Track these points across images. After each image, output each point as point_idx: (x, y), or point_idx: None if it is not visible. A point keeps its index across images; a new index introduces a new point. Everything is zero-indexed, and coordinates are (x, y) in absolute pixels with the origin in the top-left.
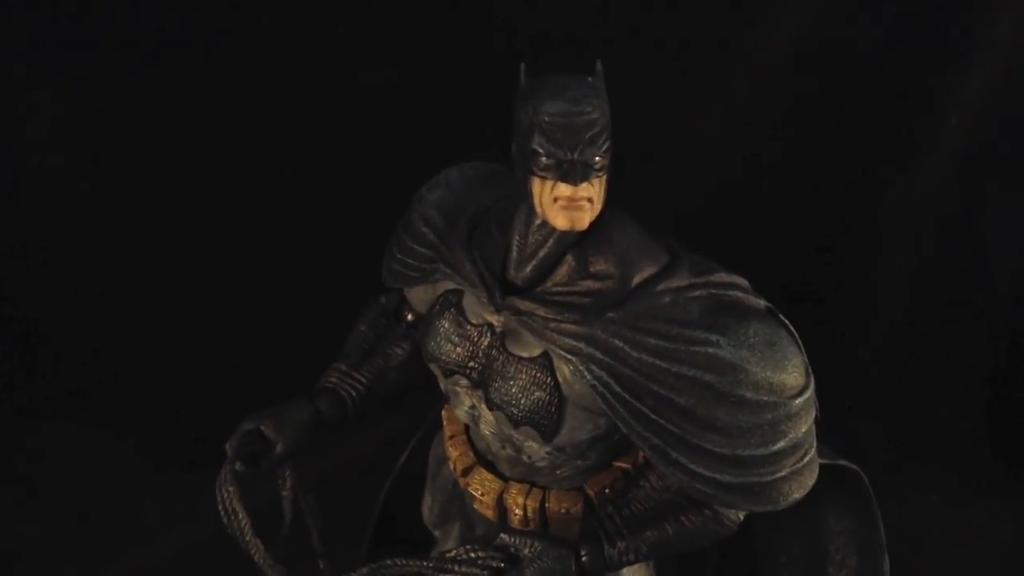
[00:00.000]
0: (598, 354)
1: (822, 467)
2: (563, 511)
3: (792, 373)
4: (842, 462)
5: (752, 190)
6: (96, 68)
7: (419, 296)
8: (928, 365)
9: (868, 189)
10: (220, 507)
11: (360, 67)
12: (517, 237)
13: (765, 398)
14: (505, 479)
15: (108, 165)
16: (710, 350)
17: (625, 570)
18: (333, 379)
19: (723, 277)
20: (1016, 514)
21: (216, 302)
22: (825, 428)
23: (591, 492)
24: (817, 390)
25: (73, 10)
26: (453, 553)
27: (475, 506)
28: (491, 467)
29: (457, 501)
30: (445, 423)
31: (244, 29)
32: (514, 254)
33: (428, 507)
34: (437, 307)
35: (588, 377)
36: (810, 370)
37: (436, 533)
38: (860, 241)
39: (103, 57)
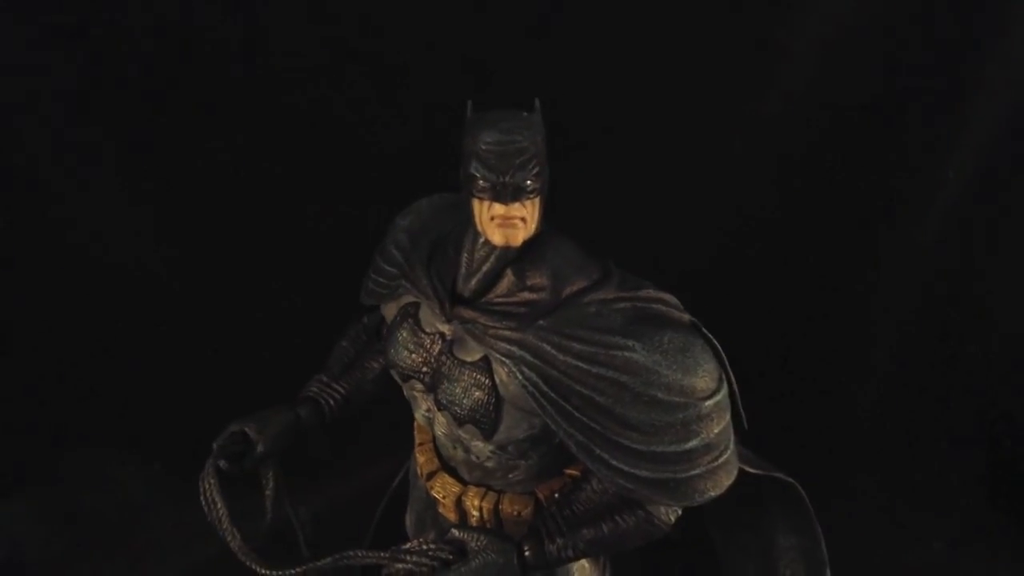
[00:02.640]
0: (529, 357)
1: (766, 482)
2: (515, 513)
3: (703, 377)
4: (779, 475)
5: (747, 247)
6: (96, 69)
7: (390, 313)
8: (925, 414)
9: (863, 243)
10: (201, 497)
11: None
12: (465, 254)
13: (676, 399)
14: (464, 483)
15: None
16: (626, 354)
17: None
18: (314, 388)
19: (650, 293)
20: (1016, 558)
21: (232, 332)
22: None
23: (541, 496)
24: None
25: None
26: (408, 546)
27: (440, 510)
28: (453, 472)
29: (431, 510)
30: (416, 433)
31: (245, 28)
32: (463, 269)
33: (408, 518)
34: (398, 318)
35: (520, 378)
36: (724, 378)
37: None
38: (855, 294)
39: (99, 58)
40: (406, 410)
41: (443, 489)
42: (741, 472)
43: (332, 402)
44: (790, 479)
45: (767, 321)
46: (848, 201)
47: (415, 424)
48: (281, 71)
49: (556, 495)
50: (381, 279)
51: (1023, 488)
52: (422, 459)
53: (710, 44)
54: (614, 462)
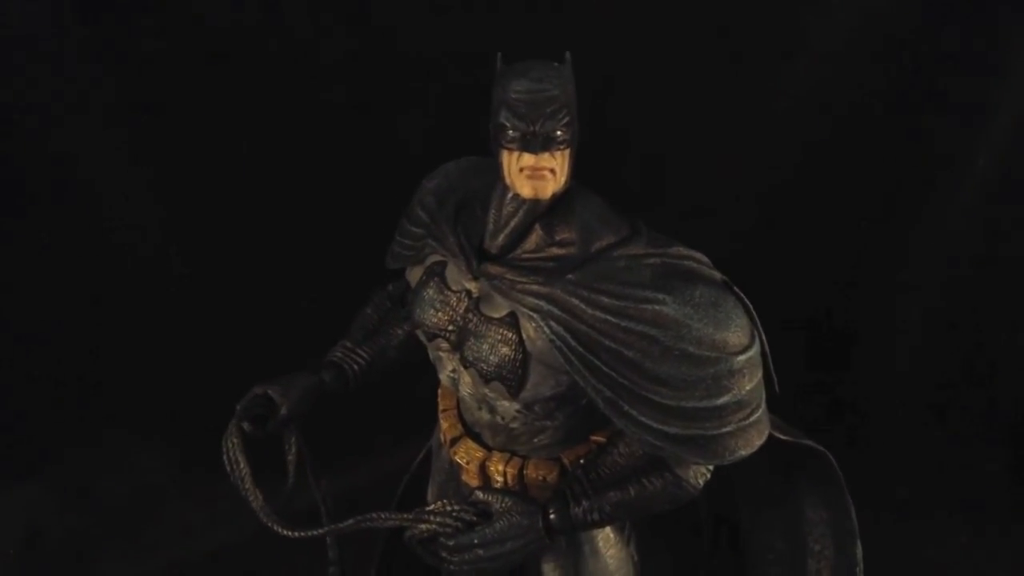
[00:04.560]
0: (557, 311)
1: (793, 453)
2: (540, 479)
3: (735, 332)
4: (809, 442)
5: (766, 239)
6: (95, 69)
7: (416, 276)
8: (952, 408)
9: (888, 238)
10: (224, 457)
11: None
12: (493, 210)
13: (707, 353)
14: (488, 449)
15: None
16: (656, 307)
17: (604, 549)
18: (338, 354)
19: (680, 251)
20: None
21: (254, 318)
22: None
23: (567, 461)
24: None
25: None
26: (432, 507)
27: (463, 477)
28: (477, 438)
29: (453, 481)
30: (440, 399)
31: (245, 26)
32: (490, 225)
33: (431, 489)
34: (423, 277)
35: (547, 332)
36: (756, 335)
37: None
38: (885, 289)
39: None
40: (432, 390)
41: (467, 455)
42: (770, 438)
43: (356, 367)
44: (820, 447)
45: (788, 314)
46: (871, 196)
47: (439, 391)
48: (295, 63)
49: (582, 460)
50: (407, 240)
51: None
52: (446, 425)
53: (731, 37)
54: (643, 418)
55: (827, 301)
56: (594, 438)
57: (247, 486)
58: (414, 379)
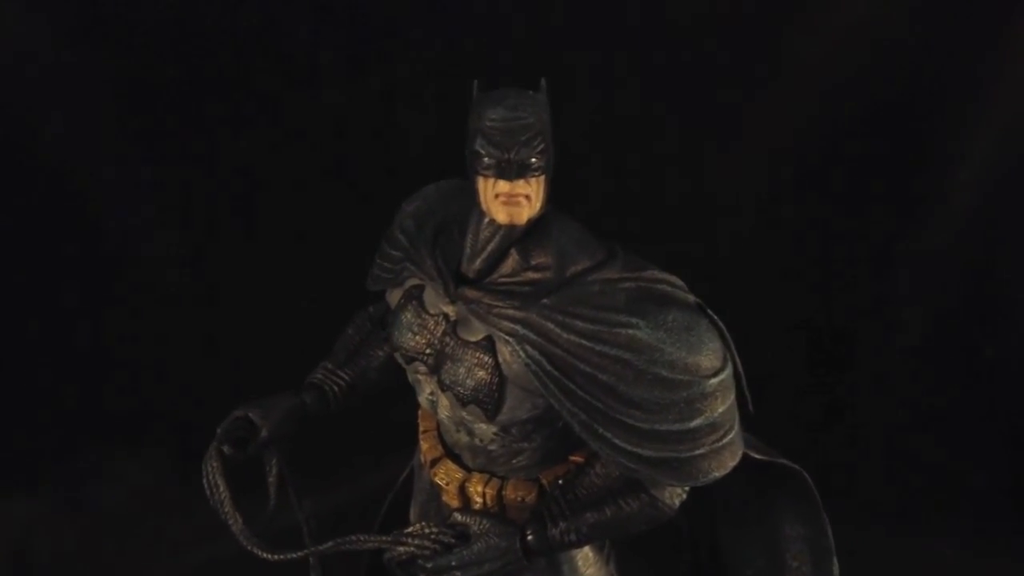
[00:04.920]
0: (532, 335)
1: (770, 470)
2: (519, 499)
3: (707, 355)
4: (784, 461)
5: (760, 246)
6: (95, 69)
7: (395, 298)
8: (942, 416)
9: (881, 244)
10: (204, 481)
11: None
12: (470, 235)
13: (680, 376)
14: (468, 470)
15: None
16: (630, 331)
17: (583, 568)
18: (319, 375)
19: (655, 274)
20: None
21: (246, 329)
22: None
23: (545, 482)
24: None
25: None
26: (410, 529)
27: (443, 498)
28: (457, 460)
29: (435, 501)
30: (420, 420)
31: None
32: (467, 250)
33: (412, 510)
34: (402, 300)
35: (523, 356)
36: (729, 357)
37: None
38: (873, 304)
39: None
40: (413, 410)
41: (447, 476)
42: (747, 457)
43: (336, 389)
44: (796, 466)
45: (781, 321)
46: (864, 205)
47: (419, 412)
48: (297, 70)
49: (560, 481)
50: (386, 264)
51: None
52: (426, 446)
53: (721, 42)
54: (617, 441)
55: (826, 304)
56: (573, 458)
57: (227, 509)
58: (395, 400)
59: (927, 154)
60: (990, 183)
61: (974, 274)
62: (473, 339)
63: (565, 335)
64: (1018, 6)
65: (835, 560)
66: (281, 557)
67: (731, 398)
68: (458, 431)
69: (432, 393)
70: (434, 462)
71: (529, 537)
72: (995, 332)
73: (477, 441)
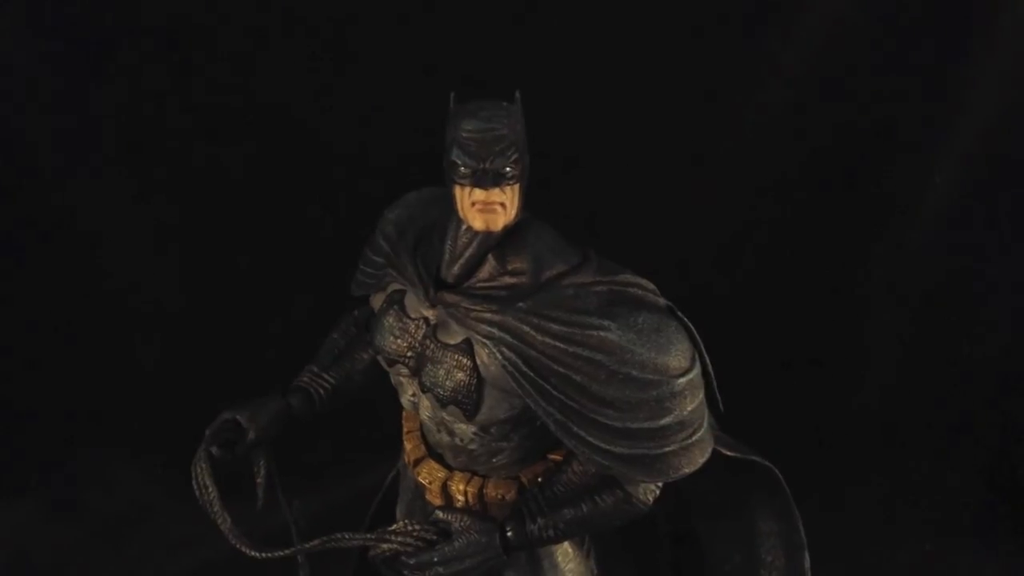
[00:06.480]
0: (509, 338)
1: (743, 467)
2: (500, 497)
3: (676, 356)
4: (756, 458)
5: (742, 255)
6: (97, 70)
7: (378, 303)
8: (921, 416)
9: (859, 249)
10: (193, 482)
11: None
12: (449, 241)
13: (650, 376)
14: (450, 469)
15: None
16: (602, 333)
17: (563, 563)
18: (305, 379)
19: (628, 278)
20: (1011, 556)
21: (239, 334)
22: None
23: (525, 480)
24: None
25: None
26: (394, 527)
27: (426, 496)
28: (439, 459)
29: (420, 500)
30: (404, 421)
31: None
32: (446, 255)
33: (399, 509)
34: (384, 305)
35: (500, 358)
36: (698, 357)
37: None
38: (851, 306)
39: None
40: (399, 411)
41: (429, 475)
42: (718, 454)
43: (322, 391)
44: (767, 463)
45: (764, 323)
46: (841, 208)
47: (403, 413)
48: (281, 78)
49: (539, 479)
50: (369, 269)
51: (1019, 489)
52: (409, 446)
53: (702, 52)
54: (591, 439)
55: (802, 302)
56: (551, 456)
57: (215, 509)
58: (380, 401)
59: (906, 155)
60: (969, 183)
61: (953, 274)
62: (452, 342)
63: (540, 337)
64: (994, 3)
65: (807, 555)
66: (268, 555)
67: (700, 397)
68: (439, 431)
69: (414, 395)
70: (417, 462)
71: (508, 533)
72: (973, 331)
73: (458, 441)
